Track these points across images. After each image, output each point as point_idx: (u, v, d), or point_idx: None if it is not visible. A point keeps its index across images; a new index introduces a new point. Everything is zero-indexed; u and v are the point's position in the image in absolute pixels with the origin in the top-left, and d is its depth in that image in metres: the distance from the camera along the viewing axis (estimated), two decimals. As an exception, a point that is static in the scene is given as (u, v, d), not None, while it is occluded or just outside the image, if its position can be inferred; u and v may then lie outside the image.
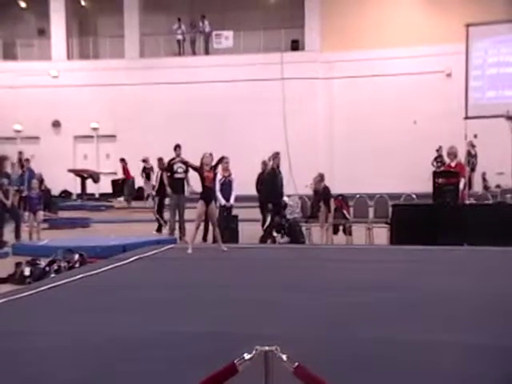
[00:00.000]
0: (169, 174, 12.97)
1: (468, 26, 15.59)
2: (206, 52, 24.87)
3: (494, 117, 14.51)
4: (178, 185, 12.62)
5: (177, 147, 12.84)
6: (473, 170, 19.38)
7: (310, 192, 12.36)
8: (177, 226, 12.73)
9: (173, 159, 12.89)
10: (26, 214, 13.18)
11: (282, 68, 22.73)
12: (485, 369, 4.05)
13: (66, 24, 25.33)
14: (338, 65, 22.88)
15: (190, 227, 11.43)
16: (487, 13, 18.61)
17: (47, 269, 8.62)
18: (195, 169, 10.06)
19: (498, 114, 13.85)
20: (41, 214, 13.28)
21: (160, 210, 14.20)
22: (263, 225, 11.97)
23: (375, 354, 4.39)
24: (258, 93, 22.59)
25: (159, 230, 14.04)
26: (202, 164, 9.78)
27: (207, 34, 24.56)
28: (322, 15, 23.34)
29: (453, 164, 11.18)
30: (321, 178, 11.88)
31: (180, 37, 24.88)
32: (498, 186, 18.33)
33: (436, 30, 21.31)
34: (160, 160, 14.79)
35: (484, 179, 20.74)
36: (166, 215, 13.82)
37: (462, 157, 18.61)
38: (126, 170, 22.25)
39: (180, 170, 12.55)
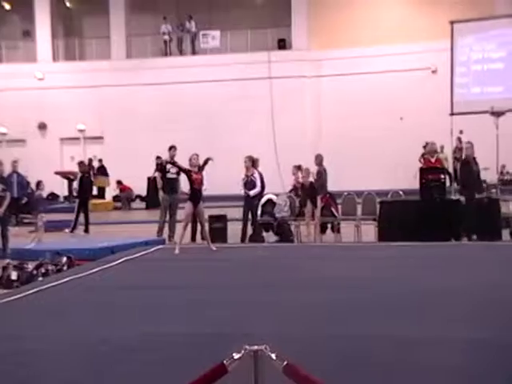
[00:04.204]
0: (161, 174, 12.93)
1: (452, 22, 15.66)
2: (193, 52, 24.83)
3: (479, 113, 14.61)
4: (171, 185, 12.56)
5: (171, 148, 12.76)
6: (459, 160, 19.78)
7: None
8: (166, 226, 12.68)
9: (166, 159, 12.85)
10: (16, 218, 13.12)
11: (270, 67, 22.76)
12: (485, 364, 4.07)
13: (51, 25, 25.17)
14: (325, 63, 22.95)
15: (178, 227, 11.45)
16: (472, 10, 18.73)
17: (35, 272, 8.55)
18: (183, 170, 10.12)
19: (483, 110, 13.94)
20: (41, 216, 13.25)
21: (79, 212, 14.44)
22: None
23: (367, 351, 4.39)
24: (246, 92, 22.58)
25: (73, 230, 14.33)
26: (190, 166, 9.87)
27: (194, 34, 24.52)
28: (308, 14, 23.39)
29: (433, 160, 11.34)
30: (307, 173, 11.93)
31: (167, 37, 24.82)
32: (483, 182, 18.46)
33: (421, 27, 21.45)
34: (81, 163, 15.29)
35: None
36: (155, 214, 13.82)
37: (449, 152, 18.83)
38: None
39: (172, 171, 12.48)
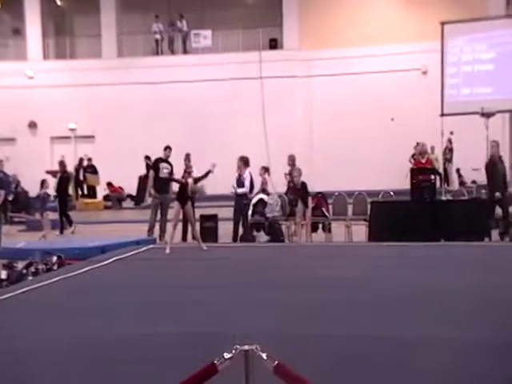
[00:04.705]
0: (154, 173, 12.92)
1: (443, 24, 15.72)
2: (185, 51, 24.80)
3: (469, 114, 14.66)
4: (162, 185, 12.54)
5: (167, 148, 12.75)
6: (450, 161, 20.24)
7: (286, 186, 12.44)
8: (157, 225, 12.68)
9: (159, 159, 12.82)
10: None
11: (261, 67, 22.75)
12: (480, 365, 4.05)
13: (42, 24, 25.04)
14: (316, 63, 22.98)
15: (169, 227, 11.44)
16: (463, 11, 18.83)
17: (24, 271, 8.50)
18: (179, 182, 10.15)
19: (473, 111, 13.99)
20: (46, 215, 13.33)
21: (62, 211, 14.51)
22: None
23: (360, 351, 4.38)
24: (237, 92, 22.58)
25: (62, 231, 14.35)
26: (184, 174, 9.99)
27: (185, 33, 24.49)
28: (299, 14, 23.42)
29: (423, 160, 11.40)
30: (299, 173, 11.94)
31: (158, 36, 24.78)
32: (473, 182, 18.65)
33: (412, 27, 21.55)
34: (61, 163, 15.41)
35: (460, 175, 21.09)
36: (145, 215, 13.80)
37: (439, 152, 18.95)
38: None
39: (165, 171, 12.48)
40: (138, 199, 21.29)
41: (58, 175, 15.06)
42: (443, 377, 3.92)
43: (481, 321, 5.11)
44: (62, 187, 14.92)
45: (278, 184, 16.35)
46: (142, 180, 21.11)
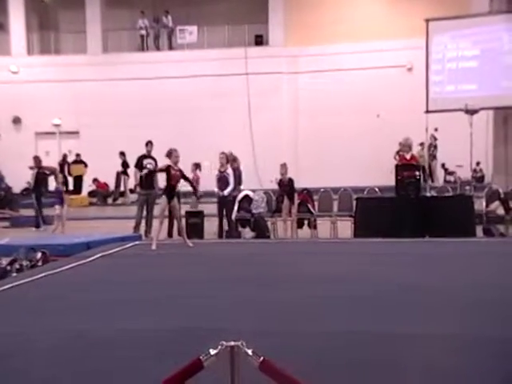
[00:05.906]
0: (139, 170, 12.89)
1: (428, 20, 15.83)
2: (170, 47, 24.72)
3: (453, 110, 14.78)
4: (148, 181, 12.51)
5: (148, 143, 12.76)
6: (434, 157, 20.26)
7: (274, 186, 12.45)
8: (143, 221, 12.66)
9: (143, 156, 12.79)
10: None
11: (247, 63, 22.75)
12: (456, 361, 4.06)
13: (26, 18, 24.83)
14: (302, 59, 23.02)
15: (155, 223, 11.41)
16: (448, 8, 18.93)
17: (8, 268, 8.44)
18: (164, 170, 10.04)
19: (457, 108, 14.11)
20: (55, 209, 13.31)
21: (39, 207, 14.47)
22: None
23: (346, 347, 4.36)
24: (223, 88, 22.55)
25: (38, 226, 14.32)
26: (169, 164, 9.84)
27: (171, 29, 24.40)
28: (285, 10, 23.43)
29: (408, 156, 11.40)
30: (285, 169, 11.99)
31: (143, 32, 24.67)
32: (458, 178, 18.85)
33: (397, 24, 21.63)
34: (36, 158, 15.27)
35: (445, 169, 21.28)
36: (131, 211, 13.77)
37: (424, 149, 19.07)
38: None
39: (149, 166, 12.44)
40: (115, 195, 21.58)
41: (34, 171, 14.90)
42: (428, 373, 3.93)
43: (472, 319, 5.10)
44: (38, 183, 14.79)
45: (264, 181, 16.43)
46: (119, 176, 21.24)
